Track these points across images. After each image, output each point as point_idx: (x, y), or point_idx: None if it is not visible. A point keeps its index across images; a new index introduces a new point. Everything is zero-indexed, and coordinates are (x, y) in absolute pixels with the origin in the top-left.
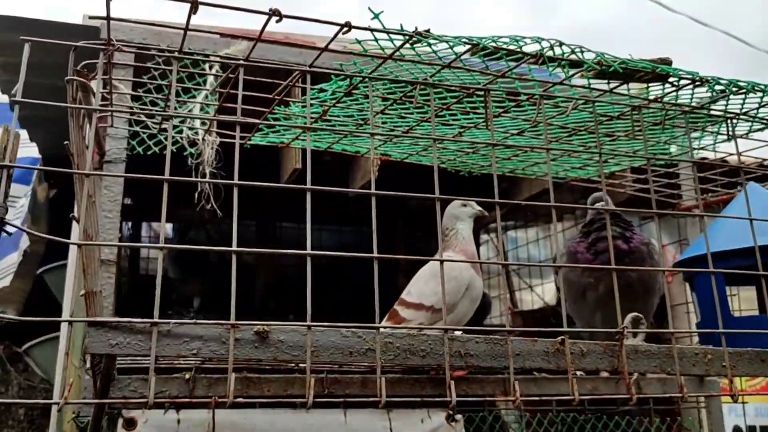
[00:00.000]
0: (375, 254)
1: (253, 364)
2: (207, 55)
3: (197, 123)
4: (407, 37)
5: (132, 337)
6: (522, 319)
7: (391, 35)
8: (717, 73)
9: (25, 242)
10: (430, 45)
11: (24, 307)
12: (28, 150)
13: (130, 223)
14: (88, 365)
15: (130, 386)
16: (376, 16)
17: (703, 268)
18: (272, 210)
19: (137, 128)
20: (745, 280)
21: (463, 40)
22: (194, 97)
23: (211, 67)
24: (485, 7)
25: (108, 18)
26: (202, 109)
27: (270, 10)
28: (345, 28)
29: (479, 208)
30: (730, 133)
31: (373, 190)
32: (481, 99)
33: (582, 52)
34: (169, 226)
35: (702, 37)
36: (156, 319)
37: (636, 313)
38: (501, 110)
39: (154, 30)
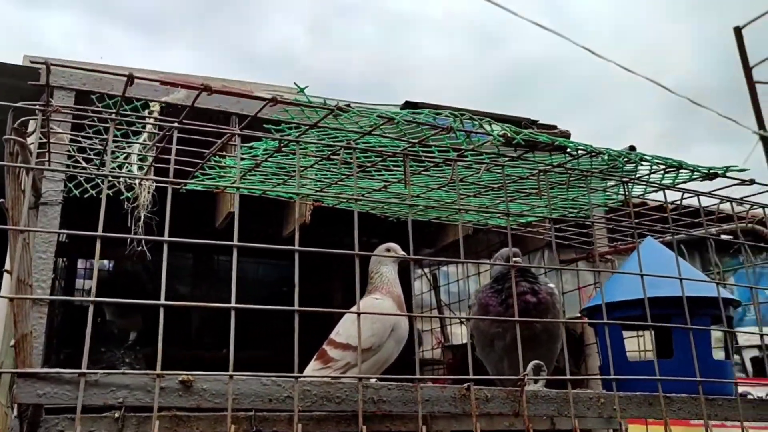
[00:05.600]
0: (296, 307)
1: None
2: (143, 117)
3: (135, 168)
4: (329, 111)
5: (59, 388)
6: (452, 352)
7: (316, 108)
8: (647, 111)
9: None
10: (350, 117)
11: None
12: None
13: (65, 259)
14: (15, 413)
15: (58, 426)
16: (301, 90)
17: (601, 317)
18: (210, 237)
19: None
20: (642, 327)
21: (382, 114)
22: (131, 146)
23: (150, 113)
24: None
25: (47, 85)
26: (139, 155)
27: (202, 85)
28: (271, 103)
29: (402, 252)
30: (627, 193)
31: (296, 246)
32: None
33: (490, 123)
34: (105, 261)
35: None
36: (84, 370)
37: (538, 362)
38: (422, 168)
39: (95, 75)
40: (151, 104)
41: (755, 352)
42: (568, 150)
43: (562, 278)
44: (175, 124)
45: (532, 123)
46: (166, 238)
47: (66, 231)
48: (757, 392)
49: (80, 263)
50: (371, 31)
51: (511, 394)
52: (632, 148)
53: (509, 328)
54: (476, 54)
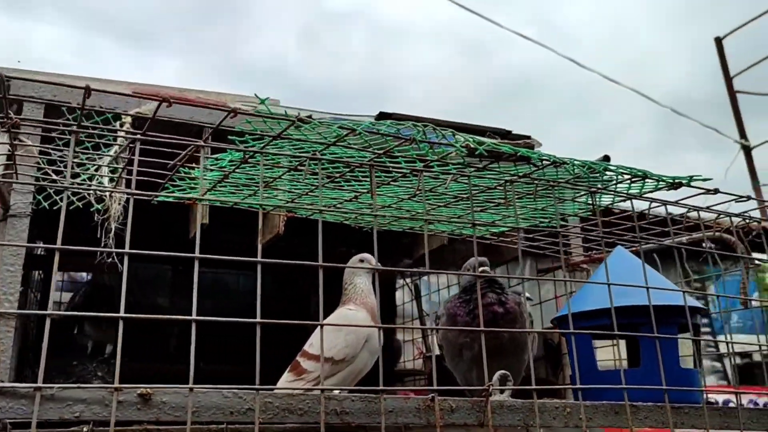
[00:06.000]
0: (258, 319)
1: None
2: (112, 130)
3: (105, 180)
4: (291, 122)
5: (15, 402)
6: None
7: (278, 119)
8: (637, 119)
9: None
10: (313, 128)
11: None
12: None
13: (41, 272)
14: None
15: None
16: (263, 102)
17: (571, 325)
18: (183, 248)
19: (43, 183)
20: (609, 336)
21: (344, 124)
22: (101, 157)
23: (122, 125)
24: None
25: (5, 97)
26: (110, 167)
27: (160, 96)
28: (231, 114)
29: (375, 262)
30: (594, 203)
31: (259, 258)
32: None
33: (453, 134)
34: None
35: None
36: (39, 384)
37: (504, 372)
38: (390, 179)
39: (65, 88)
40: (122, 116)
41: (738, 359)
42: (532, 161)
43: (540, 287)
44: (138, 136)
45: (500, 133)
46: (127, 250)
47: (23, 245)
48: (744, 400)
49: (59, 275)
50: (361, 42)
51: (477, 404)
52: (606, 158)
53: (476, 338)
54: (466, 64)
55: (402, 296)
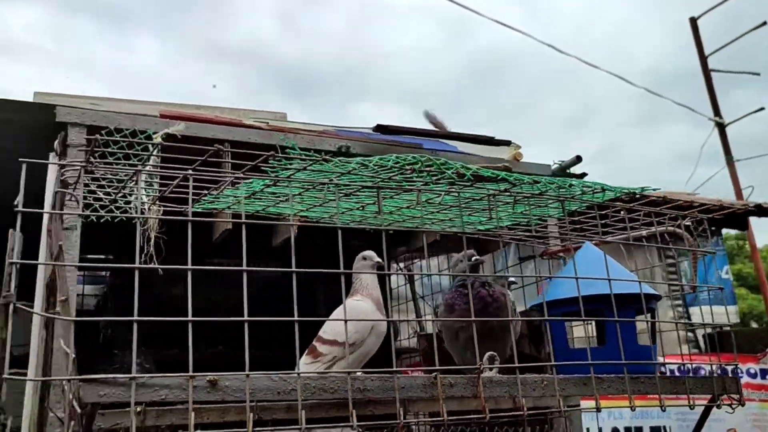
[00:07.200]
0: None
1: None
2: (146, 148)
3: (143, 195)
4: (317, 157)
5: (116, 389)
6: (426, 340)
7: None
8: (620, 93)
9: None
10: (336, 165)
11: None
12: None
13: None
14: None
15: (96, 420)
16: (293, 147)
17: (549, 311)
18: (207, 249)
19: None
20: (580, 320)
21: (360, 161)
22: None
23: (154, 147)
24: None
25: (65, 145)
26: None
27: (184, 117)
28: (270, 155)
29: (377, 259)
30: (564, 209)
31: (293, 268)
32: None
33: (445, 163)
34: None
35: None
36: (134, 374)
37: (492, 353)
38: (393, 193)
39: (103, 113)
40: (153, 136)
41: (709, 330)
42: (509, 181)
43: (522, 272)
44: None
45: (484, 140)
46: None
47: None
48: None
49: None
50: (339, 21)
51: (471, 380)
52: (578, 158)
53: (470, 323)
54: (444, 43)
55: (396, 280)
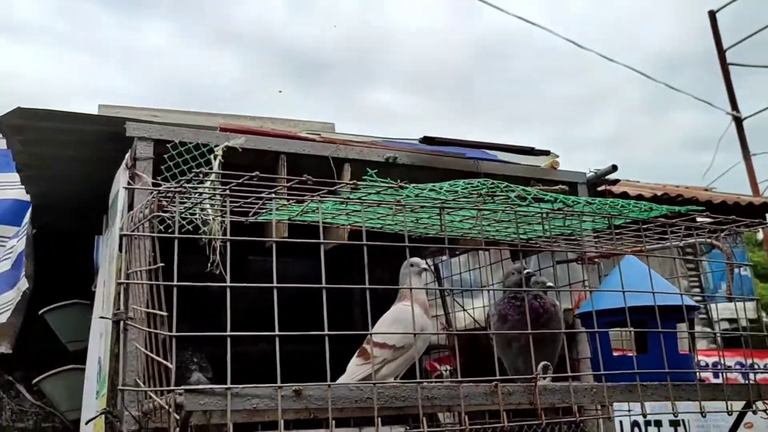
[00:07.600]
0: (370, 331)
1: None
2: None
3: (207, 206)
4: (394, 183)
5: (213, 398)
6: (456, 337)
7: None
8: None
9: (24, 284)
10: (410, 189)
11: (16, 341)
12: (16, 192)
13: None
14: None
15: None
16: (372, 174)
17: (591, 321)
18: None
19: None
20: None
21: (430, 187)
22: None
23: (215, 158)
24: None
25: (134, 174)
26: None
27: (243, 130)
28: (353, 183)
29: (424, 265)
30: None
31: (366, 285)
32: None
33: (507, 187)
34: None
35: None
36: (229, 385)
37: (545, 362)
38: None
39: (168, 128)
40: (215, 149)
41: (726, 325)
42: (566, 203)
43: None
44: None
45: (525, 151)
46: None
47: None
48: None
49: None
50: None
51: (527, 389)
52: (614, 167)
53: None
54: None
55: (425, 277)
